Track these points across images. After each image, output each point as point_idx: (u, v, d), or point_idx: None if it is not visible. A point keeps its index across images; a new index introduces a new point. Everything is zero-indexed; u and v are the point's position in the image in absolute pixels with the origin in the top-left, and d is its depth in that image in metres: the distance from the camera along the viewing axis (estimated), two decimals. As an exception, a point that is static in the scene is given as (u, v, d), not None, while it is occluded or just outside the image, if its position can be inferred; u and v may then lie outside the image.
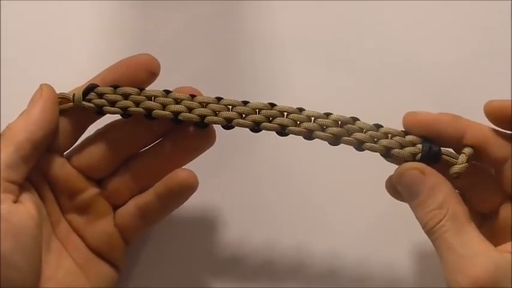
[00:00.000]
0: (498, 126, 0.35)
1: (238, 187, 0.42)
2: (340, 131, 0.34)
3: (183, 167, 0.37)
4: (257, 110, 0.35)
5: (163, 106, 0.35)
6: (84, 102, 0.35)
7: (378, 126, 0.35)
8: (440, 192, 0.33)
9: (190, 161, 0.37)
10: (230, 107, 0.35)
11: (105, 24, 0.45)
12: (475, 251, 0.31)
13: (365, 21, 0.45)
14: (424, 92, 0.44)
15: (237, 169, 0.43)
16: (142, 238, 0.41)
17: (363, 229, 0.42)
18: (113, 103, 0.35)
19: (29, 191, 0.35)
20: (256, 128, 0.35)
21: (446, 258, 0.32)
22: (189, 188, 0.36)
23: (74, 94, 0.36)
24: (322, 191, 0.42)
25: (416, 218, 0.34)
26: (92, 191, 0.37)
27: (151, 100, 0.35)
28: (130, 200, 0.37)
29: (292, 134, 0.35)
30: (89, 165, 0.37)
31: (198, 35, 0.45)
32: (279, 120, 0.35)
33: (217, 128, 0.36)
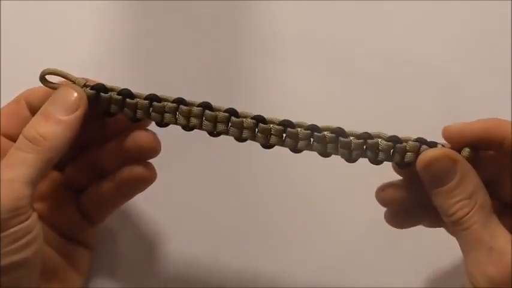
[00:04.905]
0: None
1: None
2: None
3: (141, 162, 0.36)
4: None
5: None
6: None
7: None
8: (471, 182, 0.32)
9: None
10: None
11: (104, 24, 0.45)
12: (504, 243, 0.31)
13: (365, 21, 0.45)
14: (424, 92, 0.44)
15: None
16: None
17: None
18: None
19: None
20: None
21: (474, 250, 0.32)
22: (146, 181, 0.36)
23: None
24: (321, 197, 0.42)
25: (440, 205, 0.33)
26: (53, 178, 0.37)
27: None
28: (92, 186, 0.37)
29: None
30: None
31: (197, 35, 0.45)
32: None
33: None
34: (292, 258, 0.41)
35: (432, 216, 0.36)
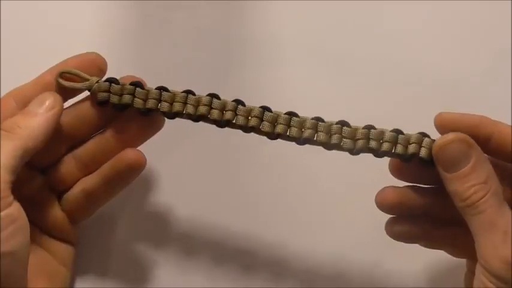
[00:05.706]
0: None
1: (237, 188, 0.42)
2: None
3: (130, 148, 0.37)
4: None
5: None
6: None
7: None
8: (485, 167, 0.33)
9: (137, 146, 0.37)
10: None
11: (105, 24, 0.45)
12: None
13: (364, 21, 0.45)
14: (424, 92, 0.44)
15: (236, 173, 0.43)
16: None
17: (365, 233, 0.41)
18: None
19: None
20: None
21: (488, 234, 0.32)
22: (137, 168, 0.37)
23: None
24: (322, 193, 0.42)
25: (454, 191, 0.33)
26: (36, 181, 0.37)
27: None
28: (76, 184, 0.38)
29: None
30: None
31: (198, 35, 0.45)
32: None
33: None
34: (291, 258, 0.41)
35: (427, 230, 0.36)
